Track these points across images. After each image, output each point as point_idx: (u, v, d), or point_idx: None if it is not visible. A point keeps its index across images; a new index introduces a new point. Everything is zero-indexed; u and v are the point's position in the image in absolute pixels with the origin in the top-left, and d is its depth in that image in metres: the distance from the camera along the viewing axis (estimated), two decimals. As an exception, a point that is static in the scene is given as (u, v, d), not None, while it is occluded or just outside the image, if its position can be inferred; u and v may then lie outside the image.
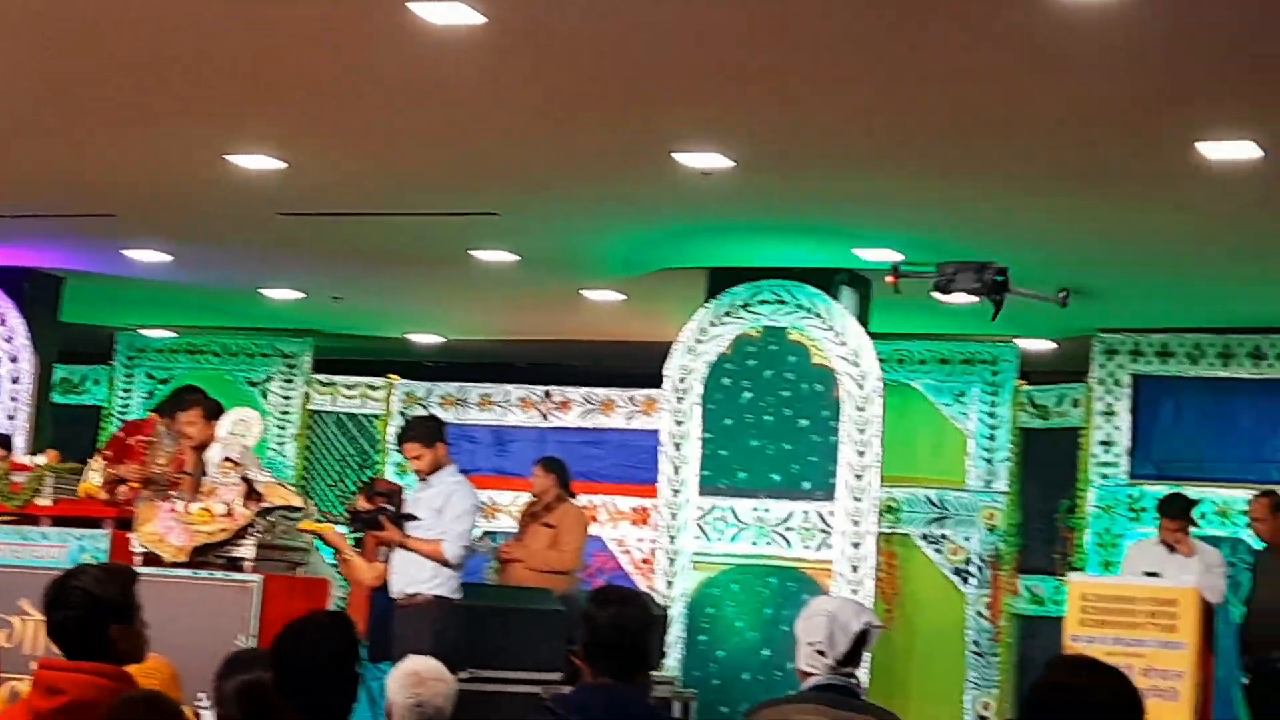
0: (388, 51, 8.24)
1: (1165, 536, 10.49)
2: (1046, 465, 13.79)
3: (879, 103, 8.86)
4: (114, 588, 4.65)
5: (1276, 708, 10.23)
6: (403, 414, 14.54)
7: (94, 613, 4.59)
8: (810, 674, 5.04)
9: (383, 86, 8.90)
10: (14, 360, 14.38)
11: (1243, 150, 9.16)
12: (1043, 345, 14.63)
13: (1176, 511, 10.59)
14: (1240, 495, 12.73)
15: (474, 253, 12.78)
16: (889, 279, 9.85)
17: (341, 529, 10.40)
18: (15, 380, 14.35)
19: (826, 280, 12.55)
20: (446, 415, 13.38)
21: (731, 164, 9.97)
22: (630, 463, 13.48)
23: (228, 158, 10.36)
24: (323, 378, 15.79)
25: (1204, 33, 7.54)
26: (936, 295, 9.97)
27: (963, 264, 9.32)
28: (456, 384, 14.87)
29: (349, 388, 15.62)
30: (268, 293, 14.86)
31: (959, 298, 9.79)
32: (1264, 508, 10.95)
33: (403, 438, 9.86)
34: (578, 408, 14.25)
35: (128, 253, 13.50)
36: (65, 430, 14.67)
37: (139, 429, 9.97)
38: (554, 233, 12.20)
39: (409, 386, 15.21)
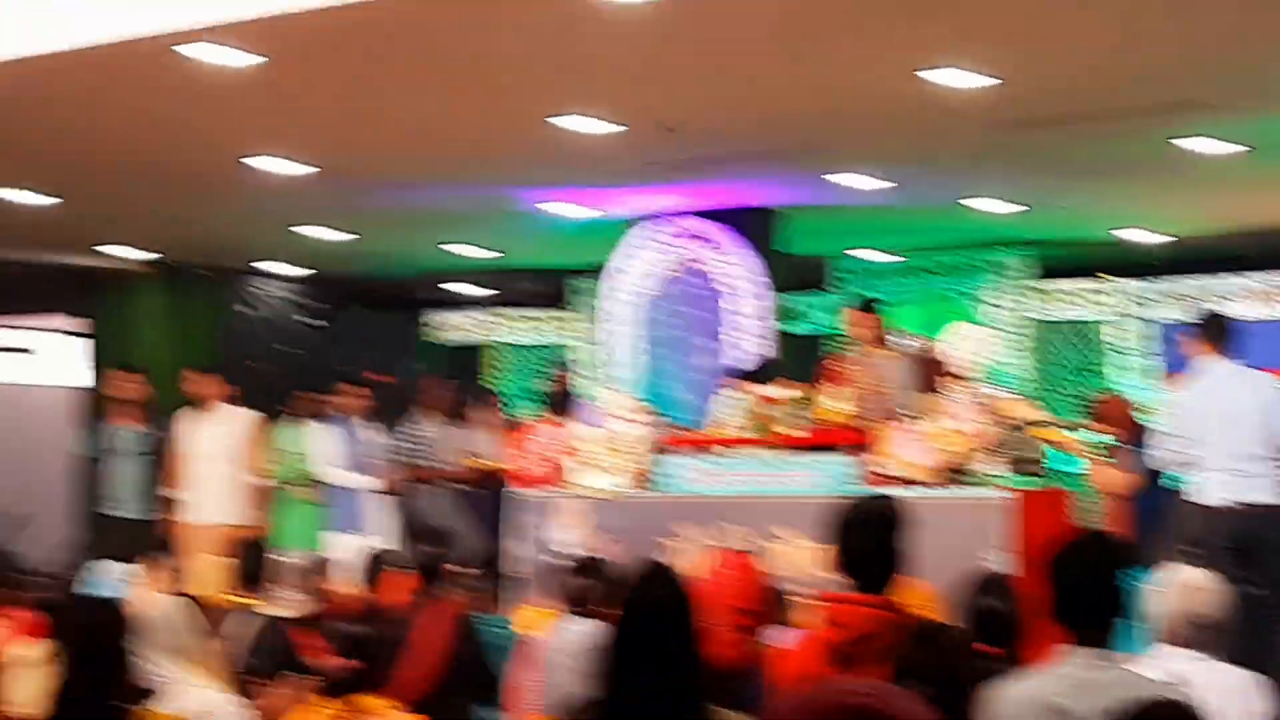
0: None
1: None
2: None
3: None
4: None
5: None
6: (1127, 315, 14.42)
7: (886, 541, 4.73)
8: None
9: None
10: (757, 297, 14.62)
11: None
12: None
13: None
14: None
15: (1178, 142, 12.20)
16: None
17: (1084, 435, 10.15)
18: (760, 317, 14.57)
19: None
20: (1173, 312, 12.99)
21: None
22: None
23: (921, 74, 10.21)
24: (1042, 284, 15.87)
25: None
26: None
27: None
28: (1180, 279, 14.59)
29: (1066, 294, 15.63)
30: (971, 203, 14.69)
31: None
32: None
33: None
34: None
35: (832, 179, 13.58)
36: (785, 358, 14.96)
37: (842, 358, 9.96)
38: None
39: (1125, 286, 15.02)
